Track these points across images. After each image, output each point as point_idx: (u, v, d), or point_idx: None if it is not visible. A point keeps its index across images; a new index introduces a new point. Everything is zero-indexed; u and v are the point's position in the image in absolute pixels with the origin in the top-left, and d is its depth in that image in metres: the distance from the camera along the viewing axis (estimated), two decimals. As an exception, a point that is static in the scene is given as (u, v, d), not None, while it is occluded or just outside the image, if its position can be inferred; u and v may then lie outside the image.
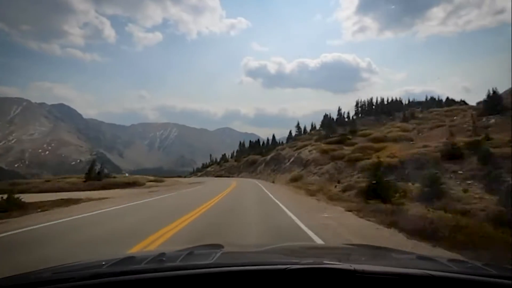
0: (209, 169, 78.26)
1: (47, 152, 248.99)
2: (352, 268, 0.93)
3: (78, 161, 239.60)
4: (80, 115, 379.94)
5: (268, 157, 49.39)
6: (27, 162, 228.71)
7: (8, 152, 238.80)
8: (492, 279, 0.98)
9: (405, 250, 1.81)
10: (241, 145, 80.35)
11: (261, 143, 73.56)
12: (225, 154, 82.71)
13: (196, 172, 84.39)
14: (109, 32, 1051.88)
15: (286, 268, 0.94)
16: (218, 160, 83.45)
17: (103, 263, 1.14)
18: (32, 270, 1.11)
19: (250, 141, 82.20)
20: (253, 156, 58.19)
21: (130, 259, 1.23)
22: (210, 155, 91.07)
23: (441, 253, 3.85)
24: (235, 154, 79.64)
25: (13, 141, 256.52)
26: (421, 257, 1.36)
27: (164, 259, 1.15)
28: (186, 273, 0.97)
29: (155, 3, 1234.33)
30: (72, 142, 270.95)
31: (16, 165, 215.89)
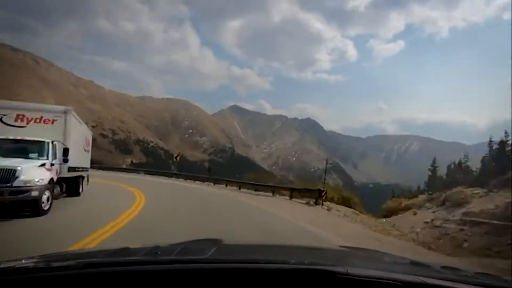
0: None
1: (294, 158, 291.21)
2: (346, 271, 0.92)
3: (316, 168, 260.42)
4: (322, 127, 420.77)
5: None
6: (280, 166, 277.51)
7: (269, 157, 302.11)
8: None
9: (399, 255, 1.85)
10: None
11: None
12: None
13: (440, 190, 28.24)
14: (351, 52, 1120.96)
15: (278, 268, 0.94)
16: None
17: (98, 253, 1.16)
18: (26, 256, 1.11)
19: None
20: None
21: (125, 250, 1.24)
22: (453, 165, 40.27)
23: None
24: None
25: (273, 149, 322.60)
26: (415, 263, 1.37)
27: (158, 252, 1.14)
28: (180, 267, 0.97)
29: (398, 11, 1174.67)
30: (313, 151, 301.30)
31: (273, 167, 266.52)
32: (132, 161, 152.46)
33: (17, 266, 0.99)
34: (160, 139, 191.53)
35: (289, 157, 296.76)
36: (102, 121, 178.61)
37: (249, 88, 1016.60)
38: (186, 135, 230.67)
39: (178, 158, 23.74)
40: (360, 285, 0.91)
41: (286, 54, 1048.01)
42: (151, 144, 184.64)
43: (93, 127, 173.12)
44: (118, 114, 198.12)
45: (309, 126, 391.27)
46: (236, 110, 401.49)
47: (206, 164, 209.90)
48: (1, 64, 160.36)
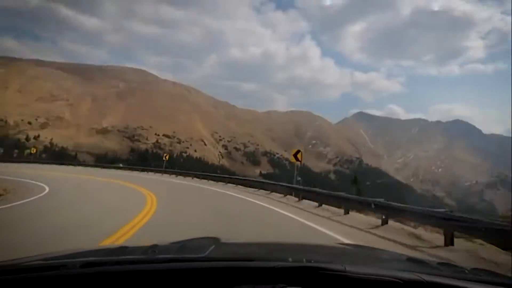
0: None
1: (440, 169, 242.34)
2: (343, 268, 0.92)
3: (473, 181, 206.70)
4: (478, 130, 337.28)
5: None
6: (420, 178, 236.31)
7: (405, 168, 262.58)
8: (481, 284, 0.98)
9: (396, 252, 1.86)
10: None
11: None
12: None
13: None
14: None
15: (275, 266, 0.94)
16: None
17: (95, 252, 1.17)
18: (22, 257, 1.11)
19: None
20: None
21: (123, 249, 1.24)
22: None
23: None
24: None
25: (410, 158, 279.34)
26: (412, 260, 1.38)
27: (156, 251, 1.15)
28: (178, 265, 0.98)
29: None
30: (466, 160, 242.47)
31: (411, 180, 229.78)
32: (260, 171, 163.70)
33: (15, 266, 0.99)
34: (285, 151, 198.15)
35: (432, 167, 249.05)
36: (235, 136, 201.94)
37: (376, 93, 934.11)
38: (310, 146, 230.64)
39: (298, 156, 20.55)
40: (358, 282, 0.91)
41: (421, 49, 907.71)
42: (276, 155, 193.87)
43: (228, 141, 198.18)
44: (248, 129, 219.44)
45: (459, 130, 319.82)
46: (362, 117, 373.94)
47: (332, 176, 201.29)
48: (164, 96, 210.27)
